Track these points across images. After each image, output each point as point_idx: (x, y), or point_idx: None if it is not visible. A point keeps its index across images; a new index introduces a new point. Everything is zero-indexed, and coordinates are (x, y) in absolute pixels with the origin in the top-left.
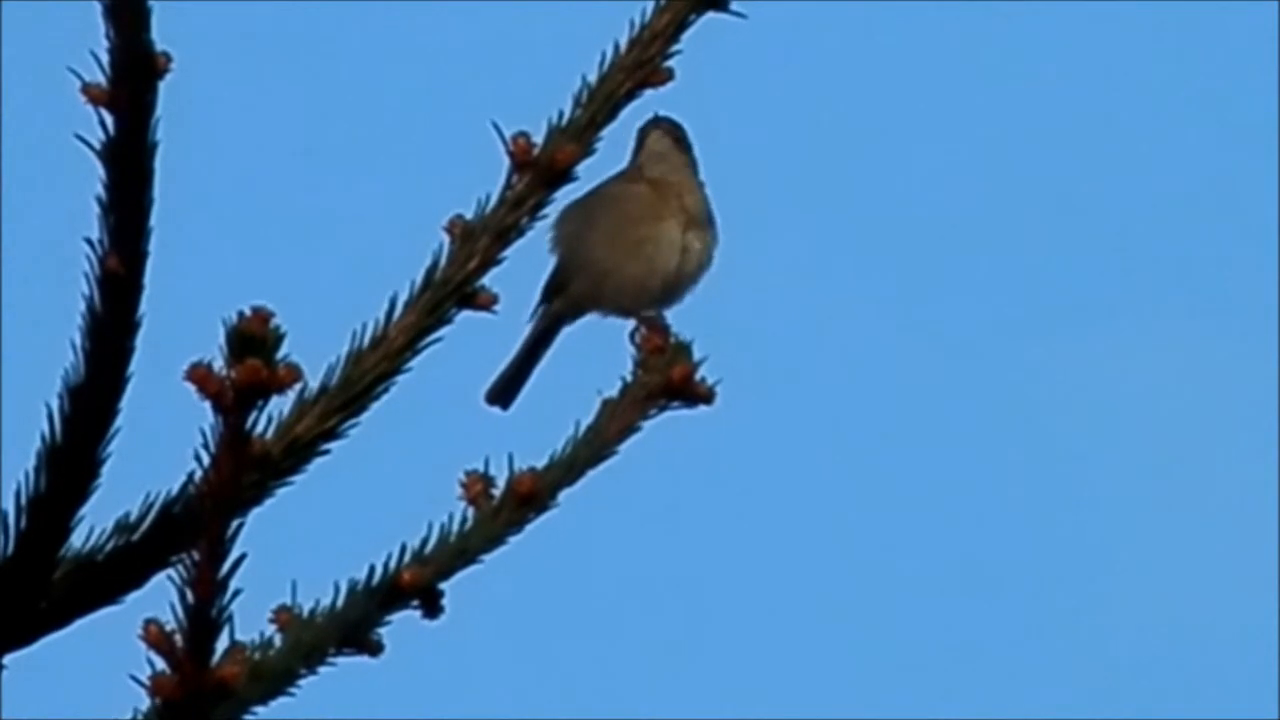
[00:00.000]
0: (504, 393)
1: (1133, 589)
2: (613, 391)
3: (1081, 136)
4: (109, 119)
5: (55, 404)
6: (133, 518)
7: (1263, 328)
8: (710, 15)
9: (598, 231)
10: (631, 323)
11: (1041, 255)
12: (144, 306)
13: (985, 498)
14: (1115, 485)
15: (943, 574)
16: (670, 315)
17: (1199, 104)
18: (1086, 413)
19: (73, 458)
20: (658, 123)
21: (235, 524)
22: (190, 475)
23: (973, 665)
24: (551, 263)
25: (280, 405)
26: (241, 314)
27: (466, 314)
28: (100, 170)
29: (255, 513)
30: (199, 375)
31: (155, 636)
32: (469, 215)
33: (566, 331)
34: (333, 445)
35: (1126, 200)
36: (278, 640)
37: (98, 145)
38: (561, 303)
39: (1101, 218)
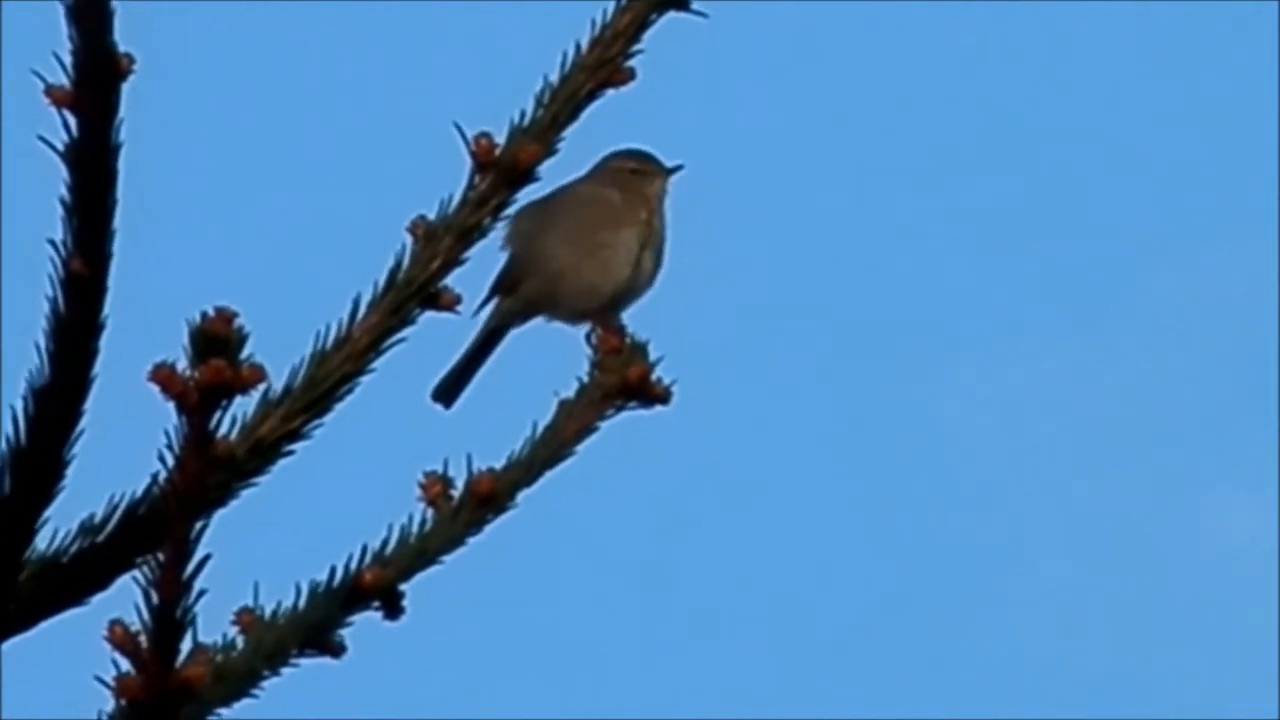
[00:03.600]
0: (449, 391)
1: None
2: (570, 392)
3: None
4: (72, 121)
5: (20, 406)
6: (98, 519)
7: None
8: (672, 15)
9: (559, 231)
10: (579, 328)
11: (968, 273)
12: (108, 308)
13: (926, 504)
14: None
15: (895, 579)
16: (626, 316)
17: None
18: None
19: (37, 460)
20: (642, 161)
21: (199, 525)
22: (155, 476)
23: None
24: (503, 259)
25: (244, 406)
26: (205, 314)
27: (429, 314)
28: (64, 172)
29: (218, 514)
30: (163, 376)
31: (120, 637)
32: (432, 216)
33: (523, 332)
34: (296, 446)
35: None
36: (240, 642)
37: (61, 147)
38: (512, 302)
39: (1018, 240)
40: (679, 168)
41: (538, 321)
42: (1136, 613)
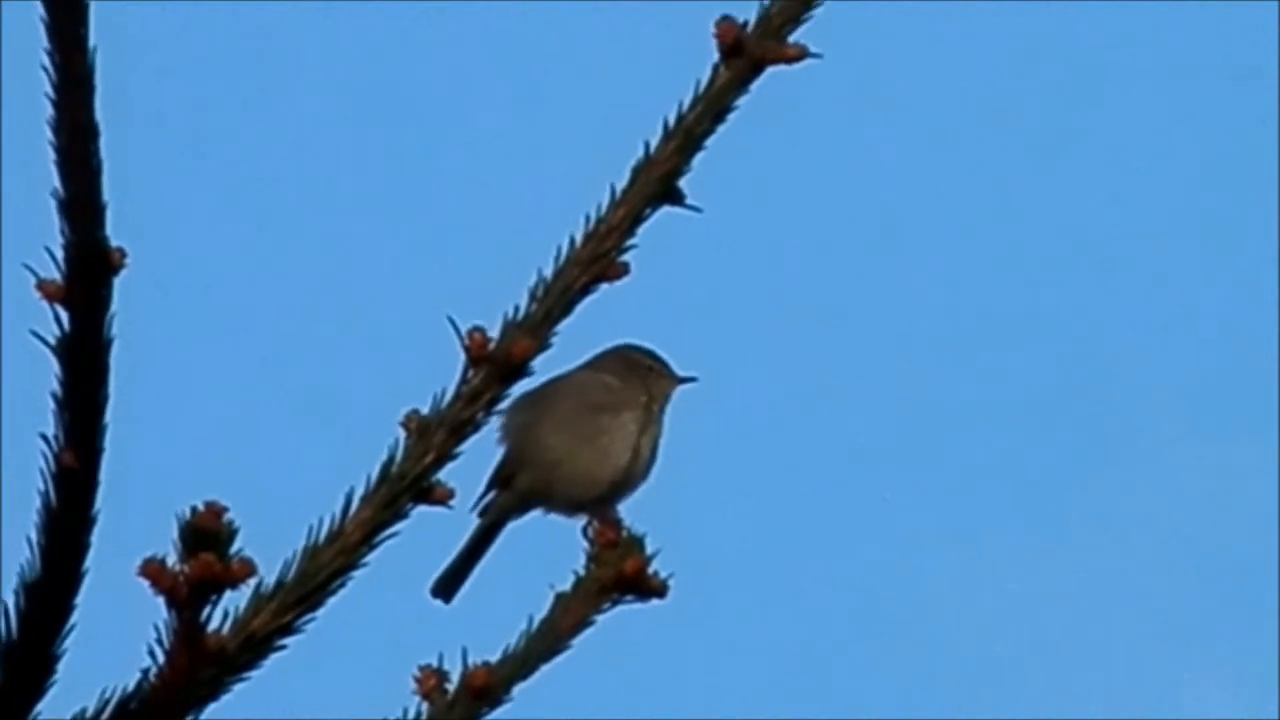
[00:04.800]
0: (448, 586)
1: None
2: (566, 585)
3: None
4: (64, 315)
5: (11, 600)
6: (89, 714)
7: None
8: (666, 209)
9: (554, 419)
10: (576, 521)
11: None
12: (99, 502)
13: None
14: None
15: None
16: (622, 508)
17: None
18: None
19: (29, 654)
20: (655, 361)
21: (190, 719)
22: (146, 671)
23: None
24: (499, 454)
25: (236, 600)
26: (194, 509)
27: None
28: (55, 366)
29: (210, 708)
30: (152, 570)
31: None
32: (425, 410)
33: (519, 525)
34: (289, 640)
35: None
36: None
37: (53, 341)
38: (509, 496)
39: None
40: (692, 379)
41: (535, 514)
42: None
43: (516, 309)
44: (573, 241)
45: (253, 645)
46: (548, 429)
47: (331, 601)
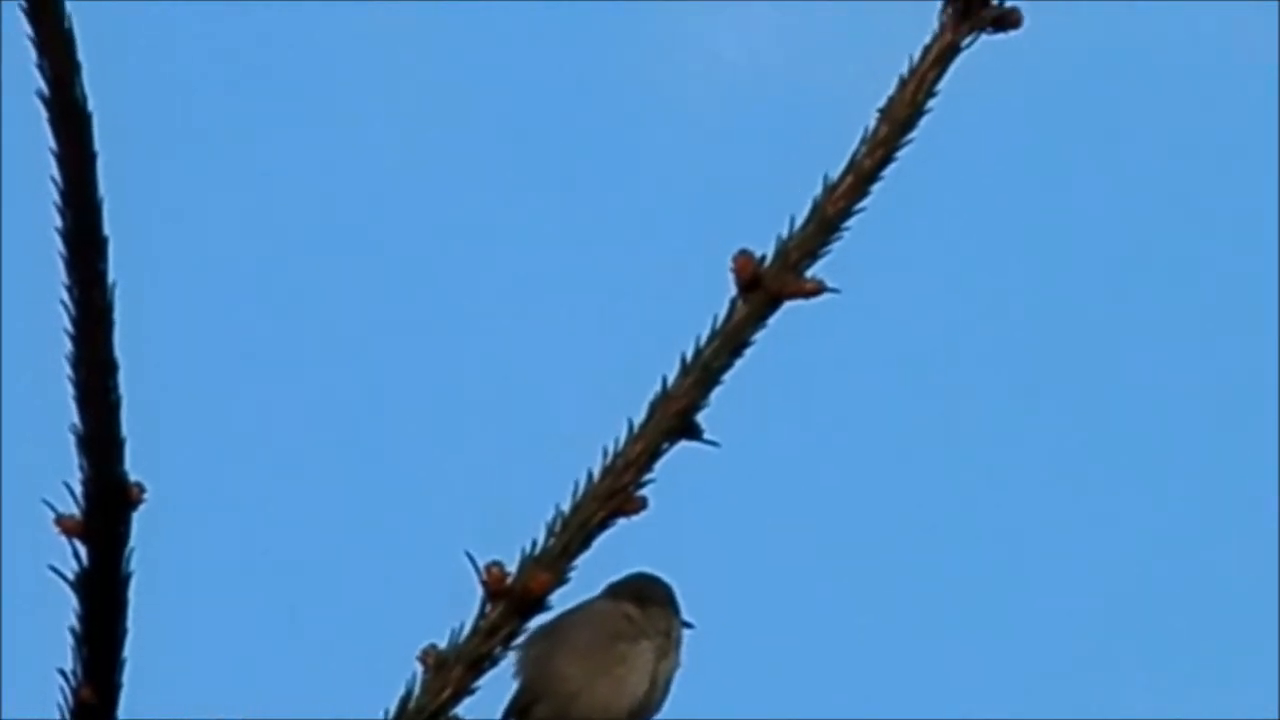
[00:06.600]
0: None
1: None
2: None
3: None
4: (83, 550)
5: None
6: None
7: None
8: (683, 444)
9: (572, 649)
10: None
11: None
12: None
13: None
14: None
15: None
16: None
17: None
18: None
19: None
20: (655, 591)
21: None
22: None
23: None
24: (514, 686)
25: None
26: None
27: None
28: (73, 601)
29: None
30: None
31: None
32: (442, 645)
33: None
34: None
35: None
36: None
37: (71, 576)
38: None
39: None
40: (690, 625)
41: None
42: None
43: (534, 543)
44: (590, 476)
45: None
46: (565, 659)
47: None
